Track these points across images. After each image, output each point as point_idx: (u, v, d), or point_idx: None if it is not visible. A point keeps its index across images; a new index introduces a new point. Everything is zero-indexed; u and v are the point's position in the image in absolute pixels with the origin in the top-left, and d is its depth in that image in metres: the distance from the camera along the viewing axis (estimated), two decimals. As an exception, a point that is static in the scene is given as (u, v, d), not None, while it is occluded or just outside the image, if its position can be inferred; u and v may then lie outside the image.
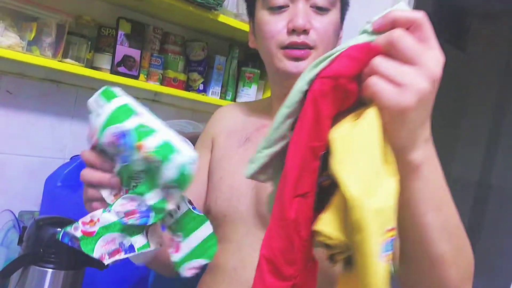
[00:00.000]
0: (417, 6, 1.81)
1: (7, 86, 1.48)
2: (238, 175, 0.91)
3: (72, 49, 1.48)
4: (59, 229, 1.08)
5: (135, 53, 1.61)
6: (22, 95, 1.52)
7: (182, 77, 1.79)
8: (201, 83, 1.85)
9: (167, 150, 0.60)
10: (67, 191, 1.44)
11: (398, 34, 0.48)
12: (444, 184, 0.56)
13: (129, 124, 0.62)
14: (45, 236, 1.05)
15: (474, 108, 3.47)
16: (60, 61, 1.43)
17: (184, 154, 0.60)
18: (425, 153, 0.53)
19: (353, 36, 0.53)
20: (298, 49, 0.86)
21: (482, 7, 3.29)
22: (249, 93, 1.99)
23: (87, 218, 0.64)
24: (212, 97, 1.88)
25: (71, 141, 1.65)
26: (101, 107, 0.64)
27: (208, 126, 1.07)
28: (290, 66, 0.87)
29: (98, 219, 0.63)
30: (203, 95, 1.85)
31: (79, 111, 1.65)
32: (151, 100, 1.84)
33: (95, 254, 0.63)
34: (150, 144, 0.60)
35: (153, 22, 1.76)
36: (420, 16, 0.49)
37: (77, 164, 1.50)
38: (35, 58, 1.37)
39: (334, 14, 0.89)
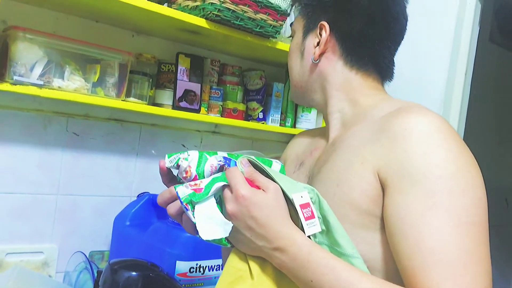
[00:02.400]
0: (482, 20, 1.71)
1: (73, 128, 1.51)
2: None
3: (135, 88, 1.49)
4: (133, 273, 1.06)
5: (195, 87, 1.60)
6: (88, 136, 1.54)
7: (241, 107, 1.77)
8: (261, 112, 1.82)
9: (268, 163, 0.80)
10: (136, 230, 1.43)
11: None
12: (317, 277, 0.68)
13: (222, 154, 0.79)
14: (121, 280, 1.04)
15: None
16: (123, 100, 1.44)
17: (276, 163, 0.82)
18: (279, 260, 0.70)
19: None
20: None
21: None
22: (309, 118, 1.94)
23: (191, 182, 0.74)
24: (271, 125, 1.85)
25: (137, 178, 1.65)
26: (183, 156, 0.77)
27: (285, 150, 1.08)
28: None
29: (202, 181, 0.74)
30: (263, 123, 1.82)
31: (143, 148, 1.66)
32: (211, 132, 1.83)
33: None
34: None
35: (210, 54, 1.76)
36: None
37: (144, 202, 1.50)
38: (100, 99, 1.38)
39: (293, 40, 0.95)
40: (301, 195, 0.71)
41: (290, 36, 0.97)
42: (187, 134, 1.77)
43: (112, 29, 1.56)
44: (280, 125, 1.89)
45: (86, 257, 1.41)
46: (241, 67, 1.83)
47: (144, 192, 1.58)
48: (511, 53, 3.13)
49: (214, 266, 1.29)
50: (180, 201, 0.71)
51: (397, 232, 0.69)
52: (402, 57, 1.91)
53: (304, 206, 0.71)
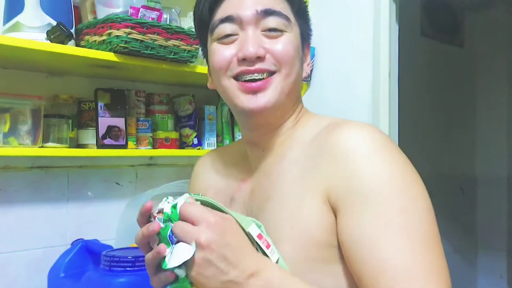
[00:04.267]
0: (402, 4, 1.72)
1: (-7, 182, 1.43)
2: None
3: (53, 132, 1.42)
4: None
5: (119, 121, 1.54)
6: (11, 189, 1.46)
7: (173, 135, 1.72)
8: (195, 137, 1.78)
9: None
10: (71, 281, 1.36)
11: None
12: None
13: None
14: None
15: (486, 102, 3.34)
16: (41, 147, 1.37)
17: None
18: (254, 286, 0.64)
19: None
20: (254, 81, 0.78)
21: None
22: (247, 136, 1.91)
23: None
24: (208, 148, 1.81)
25: (71, 224, 1.57)
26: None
27: (192, 184, 1.00)
28: (247, 101, 0.78)
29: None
30: (199, 149, 1.78)
31: (74, 192, 1.58)
32: (146, 165, 1.77)
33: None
34: None
35: (134, 85, 1.71)
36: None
37: (78, 249, 1.44)
38: (14, 150, 1.31)
39: (291, 36, 0.81)
40: (252, 228, 0.69)
41: (279, 31, 0.80)
42: (120, 170, 1.70)
43: (23, 74, 1.49)
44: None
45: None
46: (169, 94, 1.78)
47: (78, 239, 1.51)
48: (444, 44, 3.20)
49: (153, 308, 1.23)
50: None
51: (356, 256, 0.67)
52: (327, 65, 1.92)
53: (259, 236, 0.69)
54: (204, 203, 0.70)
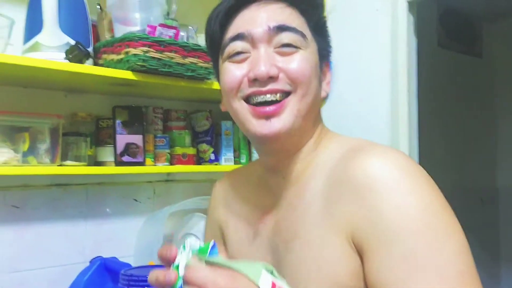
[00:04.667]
0: (419, 15, 1.71)
1: (12, 201, 1.43)
2: None
3: (72, 149, 1.43)
4: None
5: (137, 138, 1.54)
6: (30, 206, 1.46)
7: (191, 151, 1.71)
8: (212, 153, 1.77)
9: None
10: (90, 299, 1.35)
11: None
12: None
13: None
14: None
15: (506, 112, 3.28)
16: (60, 165, 1.38)
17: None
18: None
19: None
20: (266, 103, 0.73)
21: (489, 9, 3.17)
22: (264, 151, 1.90)
23: None
24: (226, 164, 1.80)
25: (89, 242, 1.57)
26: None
27: (210, 214, 0.96)
28: (260, 126, 0.73)
29: None
30: (216, 164, 1.77)
31: (92, 210, 1.59)
32: (164, 181, 1.77)
33: None
34: None
35: (152, 102, 1.71)
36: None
37: (97, 267, 1.43)
38: (33, 169, 1.32)
39: (307, 53, 0.76)
40: (263, 278, 0.64)
41: (294, 47, 0.76)
42: (138, 187, 1.70)
43: (43, 92, 1.50)
44: (235, 163, 1.83)
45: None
46: (186, 110, 1.78)
47: (97, 257, 1.50)
48: (462, 54, 3.16)
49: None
50: None
51: None
52: (345, 79, 1.90)
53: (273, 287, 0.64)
54: (209, 262, 0.65)
